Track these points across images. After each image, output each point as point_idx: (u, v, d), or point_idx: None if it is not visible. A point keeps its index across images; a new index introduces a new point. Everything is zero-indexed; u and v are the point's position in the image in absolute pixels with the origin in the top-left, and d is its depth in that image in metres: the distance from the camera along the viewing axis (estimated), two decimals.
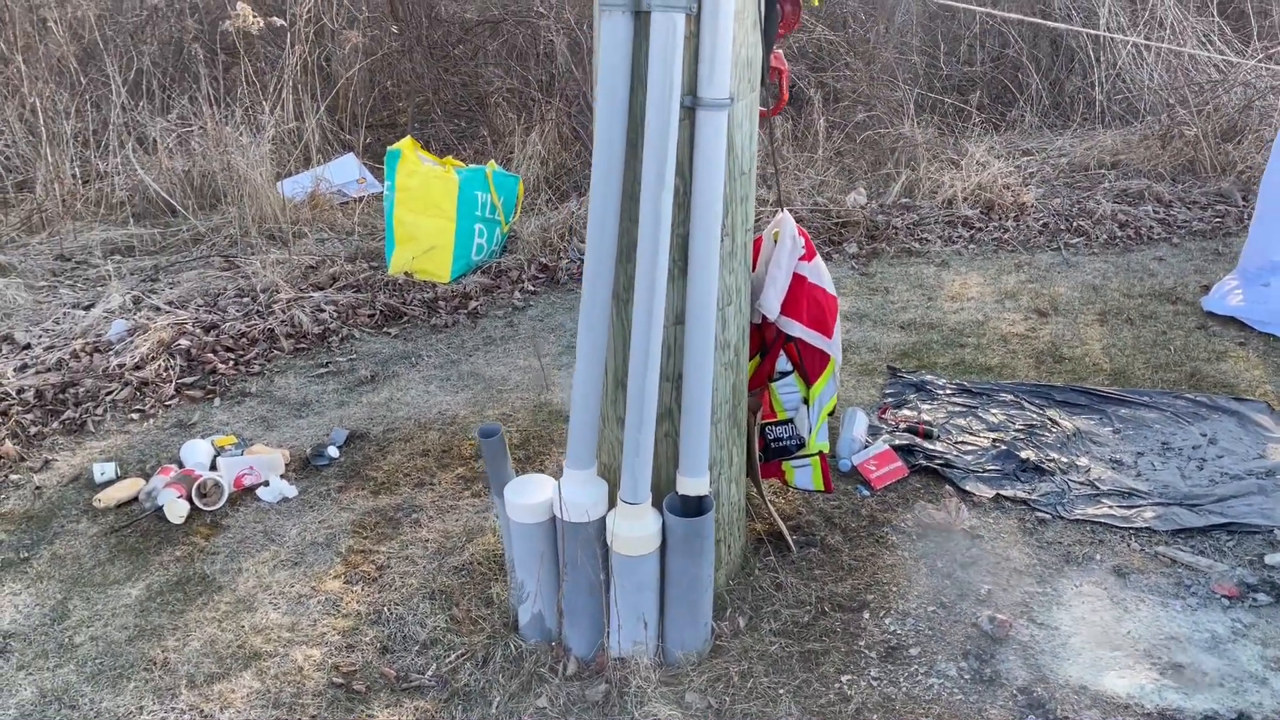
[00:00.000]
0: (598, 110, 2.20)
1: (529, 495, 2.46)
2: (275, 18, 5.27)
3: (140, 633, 2.62)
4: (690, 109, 2.20)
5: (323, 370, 4.12)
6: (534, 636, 2.57)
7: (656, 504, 2.41)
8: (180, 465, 3.35)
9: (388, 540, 2.98)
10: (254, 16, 4.87)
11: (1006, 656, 2.41)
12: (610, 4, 2.11)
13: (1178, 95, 6.84)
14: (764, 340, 2.69)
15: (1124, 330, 4.14)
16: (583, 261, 5.23)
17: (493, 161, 5.43)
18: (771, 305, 2.57)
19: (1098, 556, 2.77)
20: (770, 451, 2.83)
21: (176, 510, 3.08)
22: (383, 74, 7.73)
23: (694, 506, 2.41)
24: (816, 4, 2.41)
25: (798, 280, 2.58)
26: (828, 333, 2.66)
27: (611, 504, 2.44)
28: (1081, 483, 3.11)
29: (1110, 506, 2.98)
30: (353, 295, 4.70)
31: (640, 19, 2.15)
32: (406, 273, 4.90)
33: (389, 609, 2.69)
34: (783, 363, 2.71)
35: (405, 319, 4.59)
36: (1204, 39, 7.43)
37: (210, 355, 4.16)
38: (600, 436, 2.51)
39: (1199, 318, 4.21)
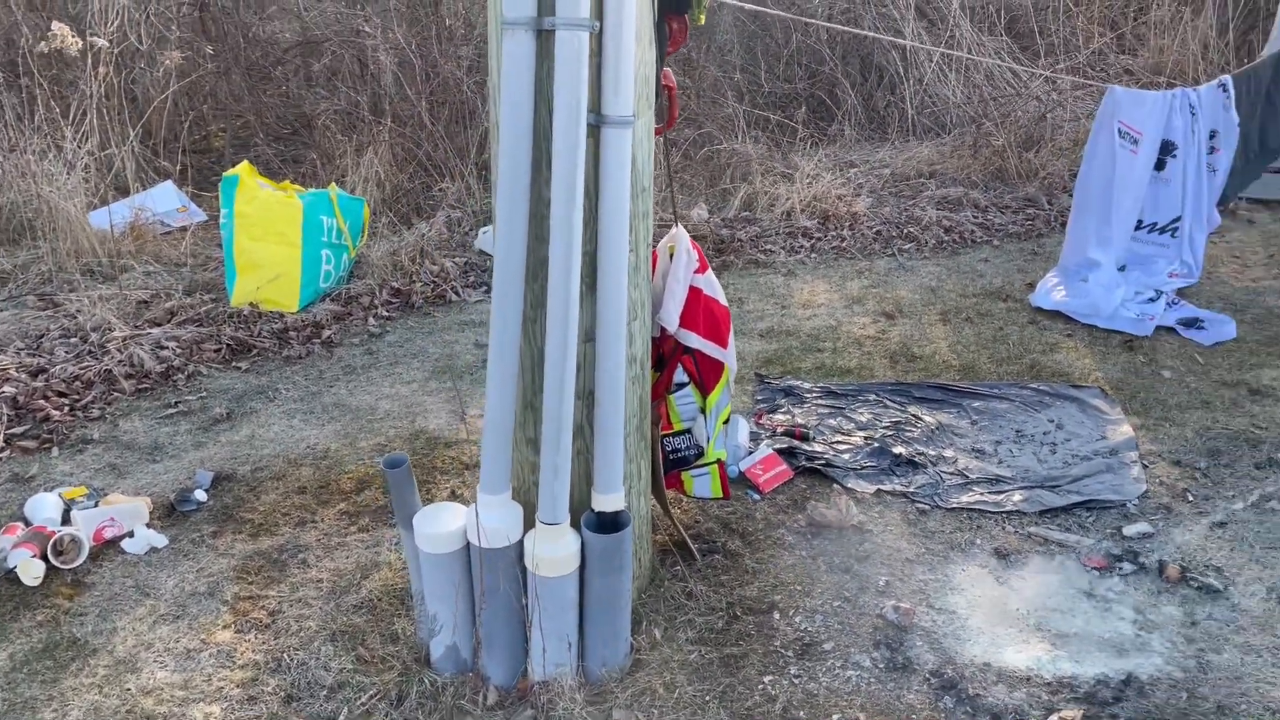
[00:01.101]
0: (502, 131, 2.18)
1: (441, 525, 2.39)
2: (96, 37, 4.91)
3: (10, 707, 2.38)
4: (595, 127, 2.21)
5: (172, 410, 3.87)
6: (449, 669, 2.50)
7: (572, 523, 2.40)
8: (27, 523, 3.07)
9: (276, 584, 2.83)
10: (73, 36, 4.53)
11: (914, 643, 2.53)
12: (514, 23, 2.10)
13: (980, 108, 7.37)
14: (661, 353, 2.72)
15: (965, 328, 4.42)
16: (436, 284, 5.15)
17: (334, 185, 5.26)
18: (671, 318, 2.61)
19: (978, 541, 2.94)
20: (670, 463, 2.86)
21: (31, 571, 2.82)
22: (198, 97, 7.35)
23: (609, 522, 2.42)
24: (702, 22, 2.47)
25: (694, 293, 2.64)
26: (723, 343, 2.73)
27: (526, 526, 2.41)
28: (952, 473, 3.30)
29: (981, 493, 3.18)
30: (195, 330, 4.44)
31: (542, 38, 2.15)
32: (251, 303, 4.66)
33: (289, 655, 2.55)
34: (680, 375, 2.75)
35: (255, 352, 4.37)
36: (996, 56, 8.04)
37: (41, 401, 3.84)
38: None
39: (1029, 313, 4.55)
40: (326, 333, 4.55)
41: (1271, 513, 2.99)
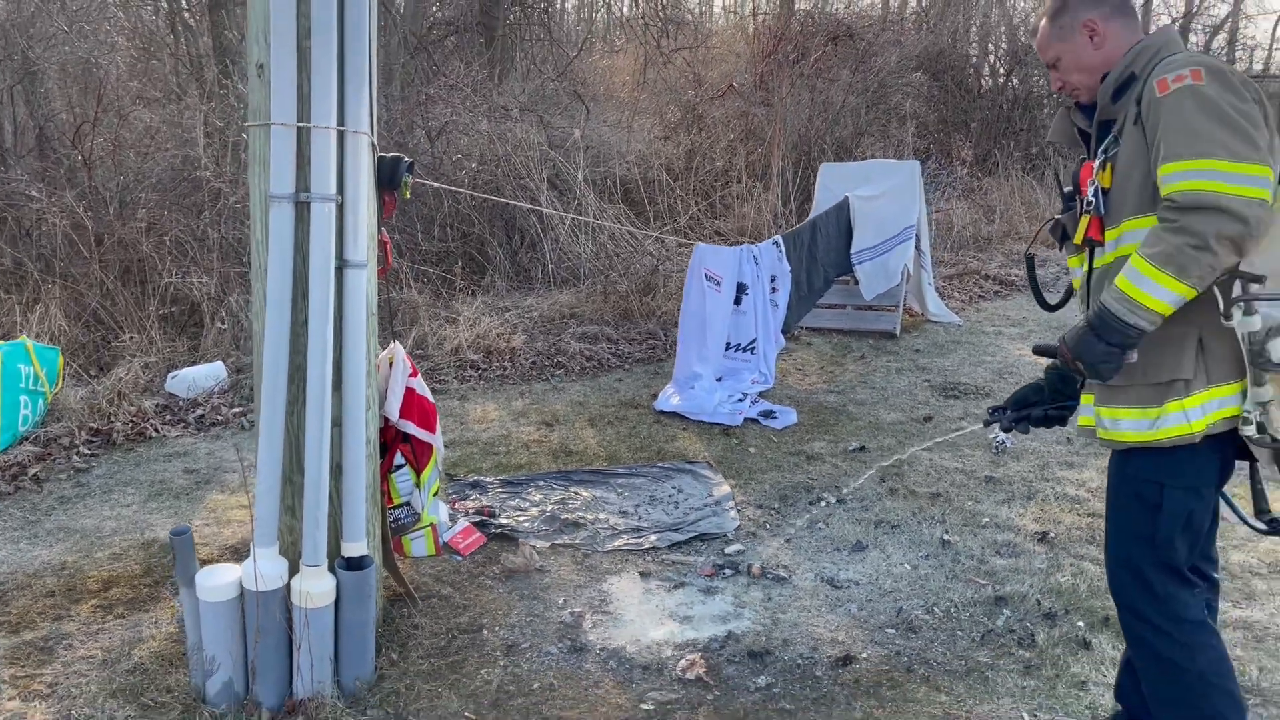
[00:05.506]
0: (269, 274, 2.98)
1: (219, 579, 3.03)
2: None
3: None
4: (339, 269, 3.09)
5: None
6: (224, 702, 3.08)
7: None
8: None
9: (49, 663, 3.24)
10: None
11: (586, 635, 3.47)
12: (279, 196, 2.96)
13: (606, 263, 8.87)
14: (384, 441, 3.55)
15: (608, 429, 5.58)
16: (136, 423, 5.56)
17: (25, 335, 5.54)
18: (393, 410, 3.46)
19: (628, 569, 3.97)
20: (393, 530, 3.65)
21: None
22: None
23: (356, 564, 3.17)
24: (408, 196, 3.42)
25: (409, 392, 3.51)
26: (432, 429, 3.60)
27: (290, 576, 3.10)
28: (606, 528, 4.34)
29: (627, 539, 4.23)
30: None
31: (299, 207, 3.01)
32: None
33: (76, 710, 3.01)
34: (399, 459, 3.58)
35: None
36: (615, 221, 9.68)
37: None
38: None
39: (654, 416, 5.80)
40: (33, 470, 4.84)
41: (818, 530, 4.30)
